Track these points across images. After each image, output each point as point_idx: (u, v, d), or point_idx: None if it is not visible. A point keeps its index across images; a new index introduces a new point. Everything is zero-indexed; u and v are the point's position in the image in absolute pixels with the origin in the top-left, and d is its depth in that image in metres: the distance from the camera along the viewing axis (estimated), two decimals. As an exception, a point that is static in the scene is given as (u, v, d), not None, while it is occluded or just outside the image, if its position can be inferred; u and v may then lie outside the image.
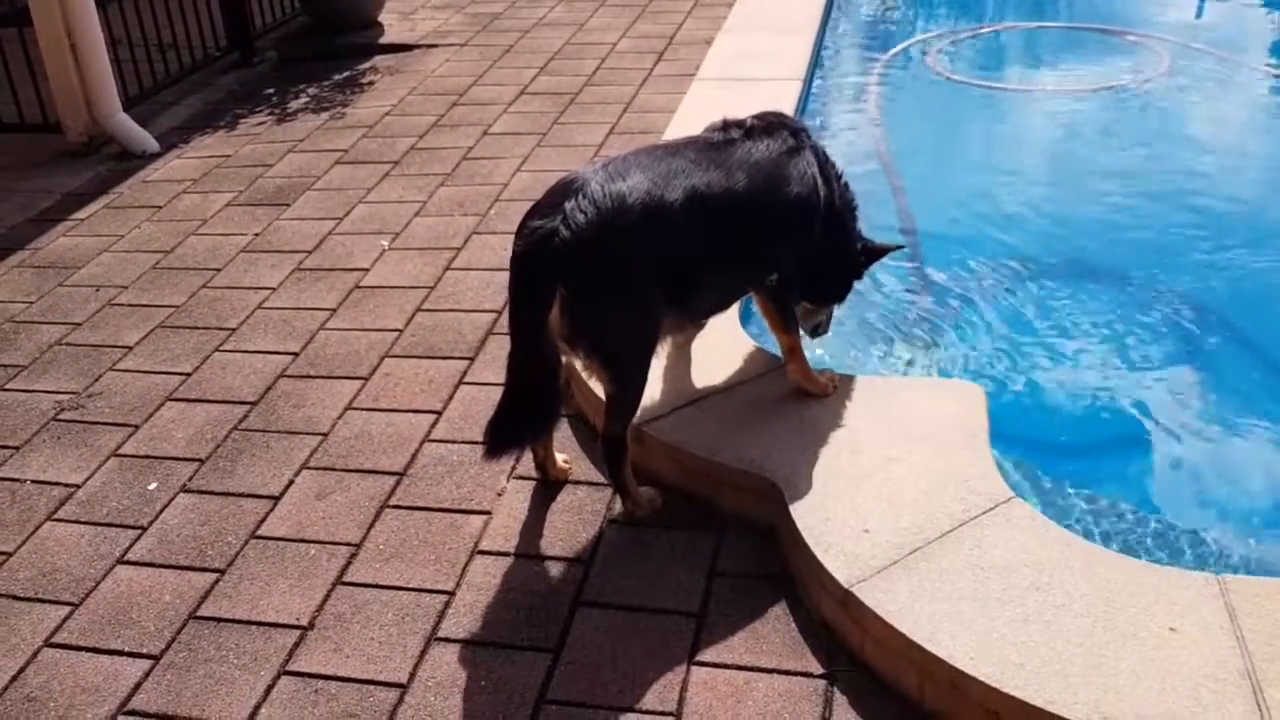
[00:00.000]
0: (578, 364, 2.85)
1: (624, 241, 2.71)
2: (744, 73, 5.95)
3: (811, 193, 3.07)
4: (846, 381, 3.28)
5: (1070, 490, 3.19)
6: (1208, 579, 2.51)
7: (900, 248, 3.46)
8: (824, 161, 3.18)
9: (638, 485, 3.00)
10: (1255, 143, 5.94)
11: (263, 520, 3.12)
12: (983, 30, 7.56)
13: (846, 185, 3.27)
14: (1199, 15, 8.06)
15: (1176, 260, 4.59)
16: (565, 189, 2.74)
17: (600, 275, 2.70)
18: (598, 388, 3.03)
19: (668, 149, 2.94)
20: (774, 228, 3.02)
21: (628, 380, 2.86)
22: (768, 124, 3.09)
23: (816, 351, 3.70)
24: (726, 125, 3.07)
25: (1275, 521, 3.22)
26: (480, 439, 2.92)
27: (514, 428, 2.84)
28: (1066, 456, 3.50)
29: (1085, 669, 2.30)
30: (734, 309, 3.58)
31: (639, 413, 3.14)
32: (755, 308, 3.30)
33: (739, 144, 3.00)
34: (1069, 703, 2.23)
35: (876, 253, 3.35)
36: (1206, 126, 6.01)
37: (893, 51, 7.03)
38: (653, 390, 3.24)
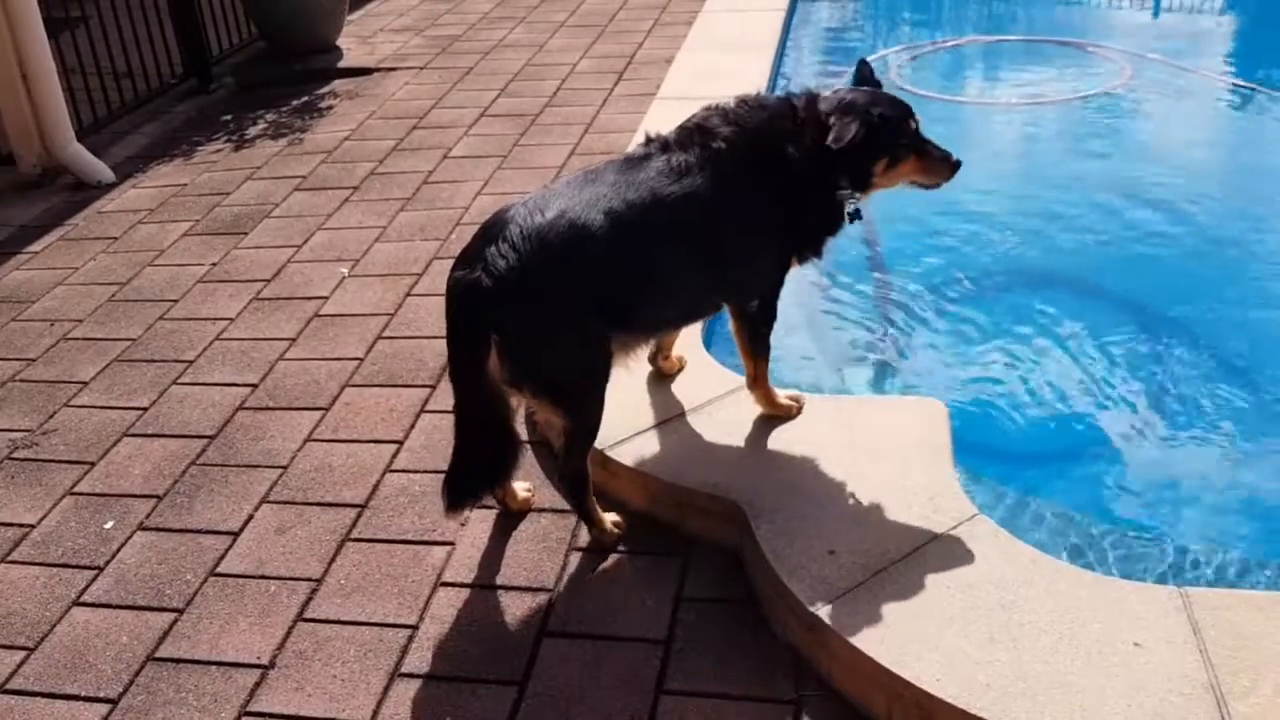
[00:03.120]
0: (528, 405, 2.81)
1: (548, 280, 2.67)
2: (704, 91, 5.93)
3: (727, 198, 2.90)
4: (810, 401, 3.27)
5: (1035, 505, 3.19)
6: (1171, 592, 2.52)
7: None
8: (757, 151, 2.94)
9: (602, 511, 2.98)
10: (1215, 151, 6.02)
11: (222, 557, 3.07)
12: (945, 44, 7.62)
13: (810, 113, 2.97)
14: (1155, 16, 8.18)
15: (1139, 271, 4.63)
16: (487, 232, 2.71)
17: (529, 318, 2.66)
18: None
19: (589, 175, 2.89)
20: (703, 239, 2.92)
21: (580, 414, 2.82)
22: (681, 138, 2.95)
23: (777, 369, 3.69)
24: (648, 140, 2.98)
25: (1237, 532, 3.24)
26: (442, 469, 2.90)
27: (471, 481, 2.82)
28: (1030, 471, 3.51)
29: (1051, 687, 2.30)
30: (697, 330, 3.58)
31: (604, 438, 3.12)
32: (729, 328, 3.25)
33: (654, 159, 2.89)
34: (1036, 722, 2.22)
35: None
36: (1167, 136, 6.08)
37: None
38: (617, 414, 3.21)
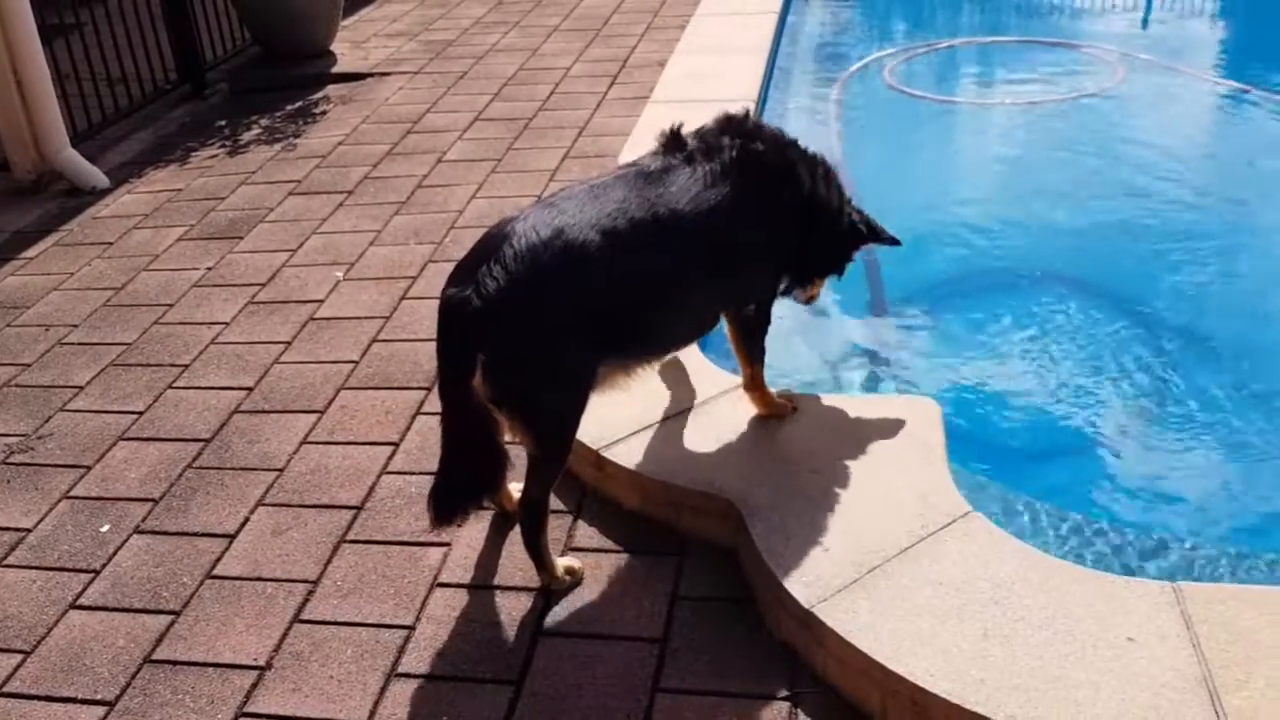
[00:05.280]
0: (504, 423, 2.74)
1: (536, 304, 2.62)
2: (698, 94, 5.98)
3: (762, 212, 2.94)
4: (805, 401, 3.29)
5: (1027, 502, 3.21)
6: (1163, 587, 2.53)
7: (899, 243, 3.27)
8: (783, 162, 3.01)
9: (556, 557, 2.89)
10: (1208, 151, 6.05)
11: (218, 559, 3.08)
12: (938, 46, 7.65)
13: (824, 169, 3.09)
14: (1145, 25, 8.22)
15: (1134, 269, 4.65)
16: (484, 249, 2.67)
17: (514, 343, 2.62)
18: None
19: (596, 189, 2.82)
20: (721, 259, 2.90)
21: (550, 444, 2.76)
22: (708, 146, 2.94)
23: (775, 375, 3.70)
24: (667, 147, 2.96)
25: (1229, 527, 3.26)
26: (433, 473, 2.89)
27: (456, 496, 2.79)
28: (1024, 468, 3.53)
29: (1045, 682, 2.31)
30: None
31: (598, 438, 3.14)
32: (725, 331, 3.26)
33: (675, 172, 2.87)
34: (1030, 717, 2.23)
35: (878, 232, 3.21)
36: (1160, 136, 6.09)
37: (852, 69, 7.09)
38: (612, 415, 3.23)
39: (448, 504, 2.79)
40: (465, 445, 2.77)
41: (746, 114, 3.10)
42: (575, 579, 2.87)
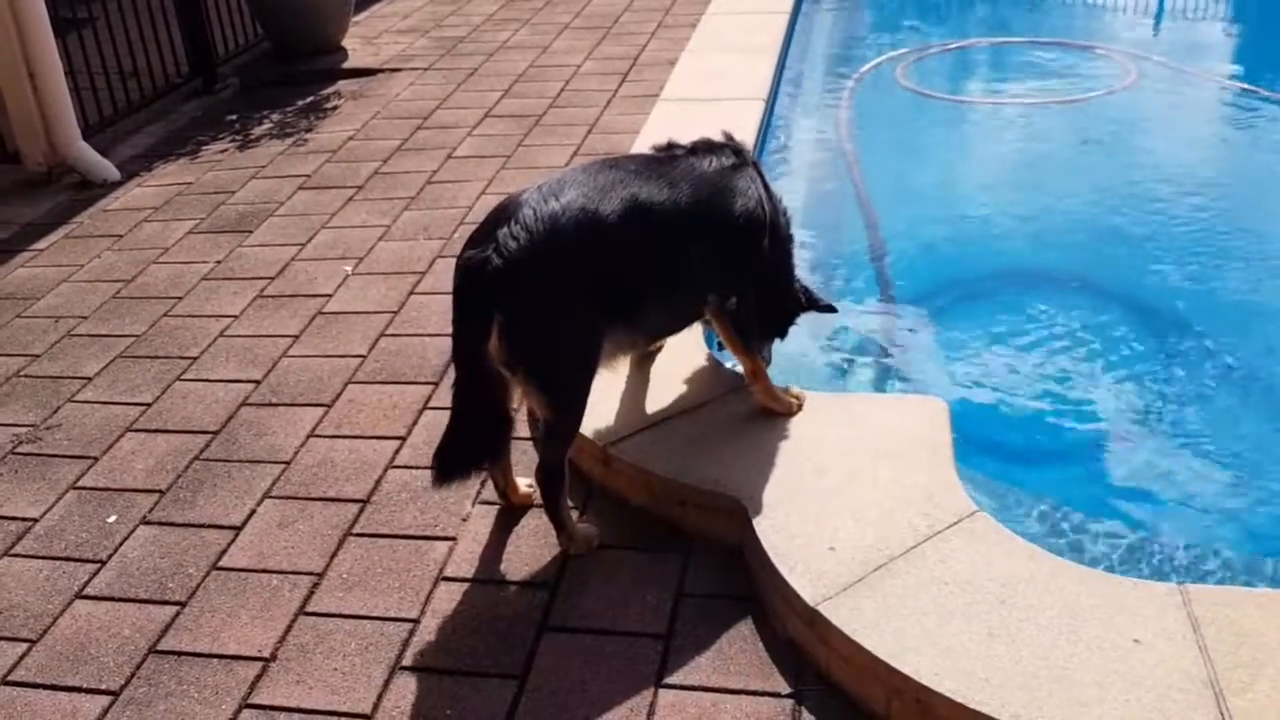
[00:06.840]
0: (518, 389, 2.80)
1: (556, 265, 2.69)
2: (708, 93, 5.98)
3: (758, 206, 3.05)
4: (811, 399, 3.28)
5: (1035, 502, 3.20)
6: (1170, 589, 2.52)
7: (834, 310, 3.48)
8: (768, 184, 3.18)
9: (576, 521, 2.95)
10: (1218, 153, 6.03)
11: (224, 551, 3.08)
12: (951, 45, 7.64)
13: (788, 220, 3.25)
14: (1157, 28, 8.20)
15: (1142, 271, 4.63)
16: (500, 214, 2.74)
17: (533, 302, 2.68)
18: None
19: (607, 161, 2.92)
20: (719, 237, 2.99)
21: (563, 406, 2.81)
22: (710, 144, 3.10)
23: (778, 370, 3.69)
24: (670, 145, 3.08)
25: (1236, 530, 3.24)
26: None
27: (460, 456, 2.85)
28: (1031, 469, 3.52)
29: (1050, 682, 2.30)
30: (697, 328, 3.59)
31: (606, 435, 3.14)
32: (716, 334, 3.29)
33: (682, 159, 3.01)
34: (1034, 717, 2.22)
35: (815, 300, 3.35)
36: (1171, 138, 6.08)
37: (864, 69, 7.08)
38: (619, 411, 3.23)
39: (451, 465, 2.85)
40: (474, 409, 2.82)
41: (729, 138, 3.23)
42: (593, 546, 2.92)
